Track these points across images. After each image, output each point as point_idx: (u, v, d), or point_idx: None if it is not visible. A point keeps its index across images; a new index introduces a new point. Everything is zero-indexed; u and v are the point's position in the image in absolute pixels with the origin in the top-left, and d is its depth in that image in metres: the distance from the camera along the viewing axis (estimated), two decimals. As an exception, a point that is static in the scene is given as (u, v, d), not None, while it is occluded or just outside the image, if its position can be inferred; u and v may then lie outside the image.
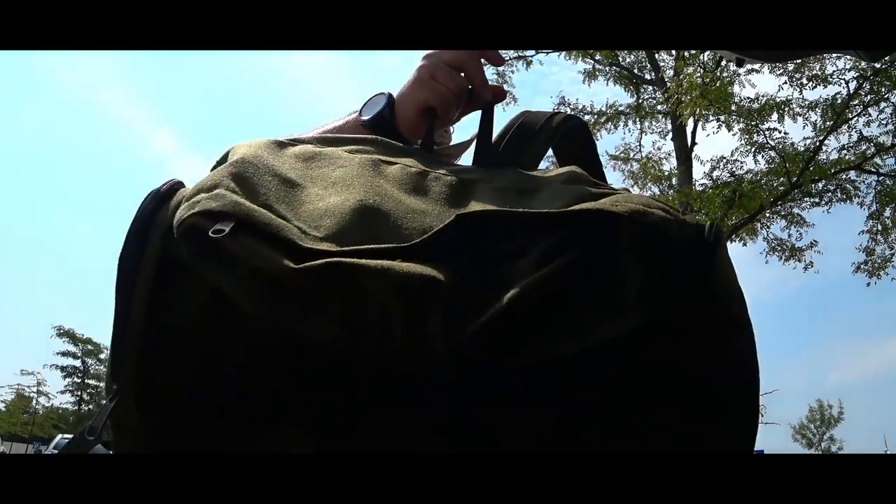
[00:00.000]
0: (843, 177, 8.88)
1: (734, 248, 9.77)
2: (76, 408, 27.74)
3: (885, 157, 8.60)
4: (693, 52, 8.10)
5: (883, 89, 8.07)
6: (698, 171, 9.51)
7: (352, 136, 0.59)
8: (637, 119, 10.44)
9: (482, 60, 0.74)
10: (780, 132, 8.70)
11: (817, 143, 8.48)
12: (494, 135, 0.71)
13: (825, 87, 8.30)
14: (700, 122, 9.17)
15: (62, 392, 27.53)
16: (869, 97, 8.25)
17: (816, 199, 9.17)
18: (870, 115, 8.38)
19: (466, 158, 0.93)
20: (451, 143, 0.95)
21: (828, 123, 8.45)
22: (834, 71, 8.14)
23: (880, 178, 8.89)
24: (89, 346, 27.07)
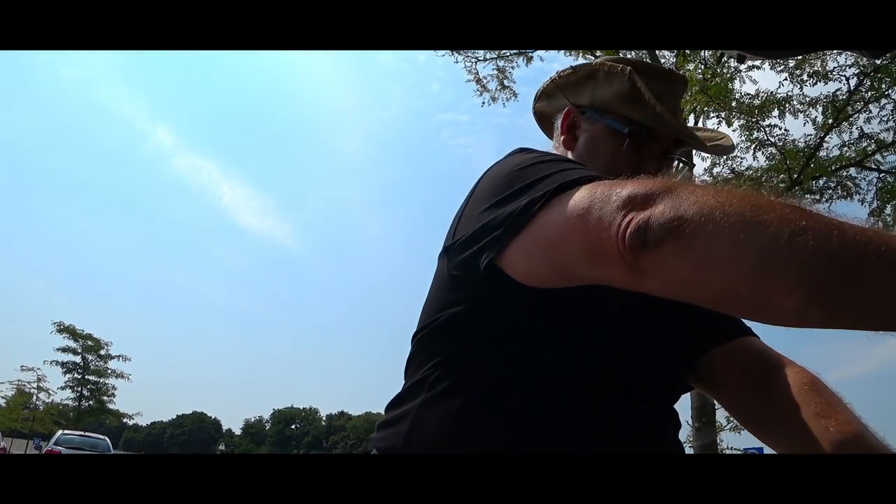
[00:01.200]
0: (844, 174, 8.86)
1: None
2: (76, 404, 27.69)
3: (885, 153, 8.57)
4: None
5: (884, 86, 8.04)
6: (698, 168, 9.51)
7: None
8: (637, 115, 10.41)
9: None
10: (780, 129, 8.69)
11: (818, 140, 8.46)
12: None
13: (826, 83, 8.27)
14: (700, 119, 9.15)
15: (62, 388, 27.49)
16: (870, 94, 8.22)
17: (817, 197, 9.14)
18: (870, 111, 8.35)
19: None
20: None
21: (829, 120, 8.43)
22: (835, 67, 8.12)
23: (881, 175, 8.86)
24: (89, 342, 27.01)
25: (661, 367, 0.87)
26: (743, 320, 0.95)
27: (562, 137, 0.99)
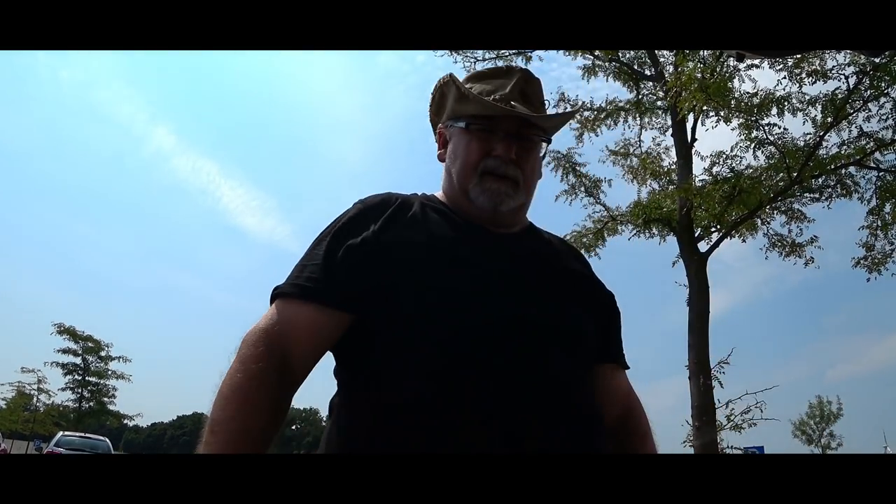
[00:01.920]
0: (844, 172, 8.86)
1: (734, 245, 9.77)
2: (77, 405, 27.66)
3: (885, 152, 8.56)
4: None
5: (883, 84, 8.03)
6: (698, 167, 9.50)
7: None
8: (637, 115, 10.42)
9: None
10: (779, 127, 8.68)
11: (817, 139, 8.45)
12: None
13: (825, 82, 8.26)
14: (700, 118, 9.14)
15: (63, 389, 27.42)
16: (869, 92, 8.21)
17: (816, 195, 9.14)
18: (870, 110, 8.34)
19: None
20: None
21: (828, 119, 8.42)
22: (833, 66, 8.11)
23: (880, 174, 8.86)
24: (90, 344, 26.96)
25: (559, 320, 0.96)
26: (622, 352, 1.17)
27: (438, 153, 1.15)
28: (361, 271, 0.94)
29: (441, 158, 1.14)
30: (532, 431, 0.83)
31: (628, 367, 1.15)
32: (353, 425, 0.89)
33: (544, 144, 1.10)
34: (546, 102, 1.16)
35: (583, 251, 10.20)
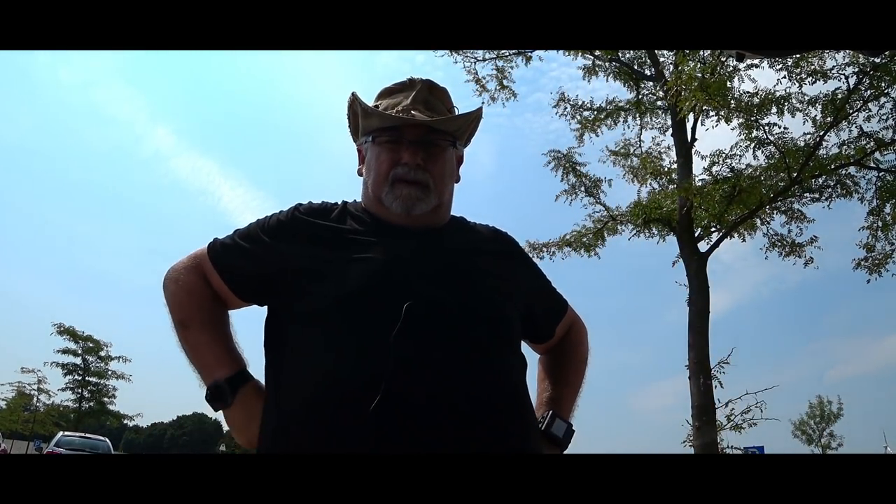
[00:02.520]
0: (843, 172, 8.85)
1: (734, 245, 9.77)
2: (77, 405, 27.64)
3: (885, 152, 8.56)
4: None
5: (883, 84, 8.02)
6: (698, 167, 9.50)
7: None
8: (637, 114, 10.41)
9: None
10: (779, 127, 8.68)
11: (817, 139, 8.44)
12: None
13: (825, 81, 8.25)
14: (699, 118, 9.14)
15: (63, 389, 27.38)
16: (869, 92, 8.20)
17: (816, 195, 9.13)
18: (870, 110, 8.33)
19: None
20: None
21: (828, 119, 8.41)
22: (833, 66, 8.10)
23: (880, 174, 8.85)
24: (90, 344, 26.92)
25: (473, 299, 1.02)
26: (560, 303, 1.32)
27: (357, 168, 1.22)
28: (269, 277, 1.07)
29: (360, 173, 1.21)
30: (447, 412, 0.87)
31: (567, 305, 1.31)
32: (272, 419, 0.97)
33: (456, 147, 1.17)
34: (456, 108, 1.21)
35: (582, 251, 10.26)
